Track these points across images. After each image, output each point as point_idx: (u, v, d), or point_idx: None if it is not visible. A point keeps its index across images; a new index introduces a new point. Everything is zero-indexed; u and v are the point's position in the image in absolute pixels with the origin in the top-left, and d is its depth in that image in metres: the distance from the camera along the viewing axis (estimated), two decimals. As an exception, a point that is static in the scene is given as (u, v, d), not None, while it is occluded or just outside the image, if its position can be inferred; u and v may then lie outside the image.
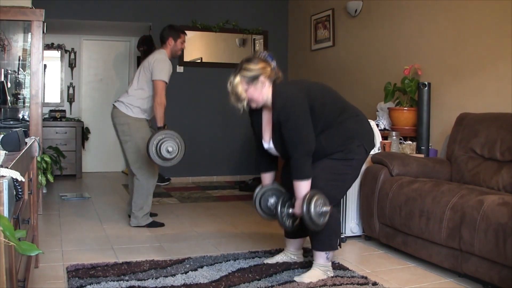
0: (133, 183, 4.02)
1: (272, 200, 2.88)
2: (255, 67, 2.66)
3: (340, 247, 2.97)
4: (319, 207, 2.58)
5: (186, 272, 2.86)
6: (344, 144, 2.75)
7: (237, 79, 2.66)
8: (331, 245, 2.83)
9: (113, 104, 4.05)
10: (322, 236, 2.79)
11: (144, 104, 3.96)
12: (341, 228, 3.34)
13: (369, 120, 3.92)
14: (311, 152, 2.64)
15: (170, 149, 3.59)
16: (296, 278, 2.78)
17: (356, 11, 5.39)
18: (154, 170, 4.03)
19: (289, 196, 2.78)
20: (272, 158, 2.94)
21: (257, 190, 2.96)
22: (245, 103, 2.68)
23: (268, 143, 2.81)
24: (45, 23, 4.30)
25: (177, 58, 6.48)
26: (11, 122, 4.05)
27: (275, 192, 2.90)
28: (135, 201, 3.96)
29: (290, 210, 2.72)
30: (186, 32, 6.45)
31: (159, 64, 3.90)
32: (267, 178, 2.96)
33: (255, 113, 2.87)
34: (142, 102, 3.96)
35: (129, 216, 4.13)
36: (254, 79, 2.65)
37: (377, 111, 4.65)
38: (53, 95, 7.15)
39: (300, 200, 2.63)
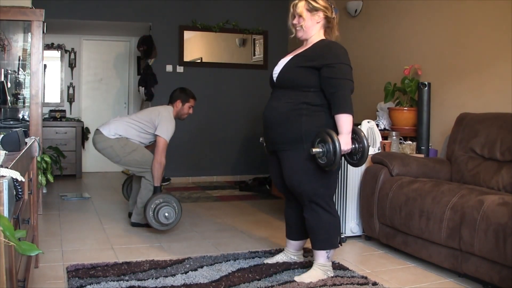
0: (141, 181, 4.01)
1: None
2: (320, 2, 2.80)
3: (341, 245, 2.97)
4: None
5: (186, 272, 2.86)
6: (321, 133, 2.64)
7: (302, 2, 2.81)
8: (331, 243, 2.82)
9: (97, 129, 4.00)
10: (322, 234, 2.79)
11: (127, 135, 3.96)
12: (340, 225, 3.33)
13: (369, 120, 3.97)
14: (352, 92, 2.70)
15: (167, 215, 3.66)
16: (296, 278, 2.78)
17: (356, 11, 5.39)
18: None
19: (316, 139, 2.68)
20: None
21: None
22: (303, 24, 2.80)
23: (284, 59, 2.87)
24: (45, 23, 4.30)
25: (176, 58, 6.52)
26: (11, 122, 4.05)
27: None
28: (141, 197, 3.95)
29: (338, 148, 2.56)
30: (186, 32, 6.57)
31: (167, 122, 3.94)
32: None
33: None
34: (128, 132, 3.96)
35: (129, 216, 4.13)
36: (314, 10, 2.79)
37: (377, 111, 4.65)
38: (53, 95, 7.15)
39: (347, 135, 2.62)
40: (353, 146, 2.65)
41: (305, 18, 2.80)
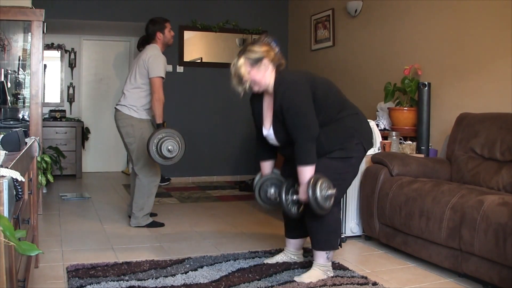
0: (135, 183, 4.01)
1: (271, 190, 2.89)
2: (259, 49, 2.69)
3: (341, 247, 2.97)
4: (324, 191, 2.58)
5: (186, 272, 2.86)
6: (343, 142, 2.75)
7: (241, 60, 2.68)
8: (331, 245, 2.83)
9: (115, 108, 4.05)
10: (322, 235, 2.79)
11: (145, 103, 3.96)
12: (341, 227, 3.33)
13: (369, 120, 3.95)
14: (315, 137, 2.64)
15: (170, 148, 3.58)
16: (296, 278, 2.78)
17: (356, 11, 5.39)
18: (157, 170, 4.03)
19: (291, 183, 2.76)
20: (272, 146, 2.93)
21: (257, 179, 2.97)
22: (247, 86, 2.69)
23: (267, 130, 2.81)
24: (45, 23, 4.30)
25: (176, 58, 6.52)
26: (11, 122, 4.05)
27: (274, 181, 2.91)
28: (136, 201, 3.96)
29: (295, 197, 2.69)
30: (186, 32, 6.57)
31: (155, 60, 3.89)
32: (267, 166, 2.97)
33: (256, 100, 2.88)
34: (142, 101, 3.95)
35: (129, 217, 4.13)
36: (258, 61, 2.67)
37: (377, 111, 4.65)
38: (53, 95, 7.15)
39: (304, 185, 2.61)
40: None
41: (252, 75, 2.67)
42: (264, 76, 2.69)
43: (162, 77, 3.90)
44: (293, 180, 2.75)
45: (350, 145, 2.76)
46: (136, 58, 4.11)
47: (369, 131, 2.91)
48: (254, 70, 2.67)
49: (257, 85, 2.71)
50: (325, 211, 2.65)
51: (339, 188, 2.78)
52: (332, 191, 2.61)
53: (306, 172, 2.63)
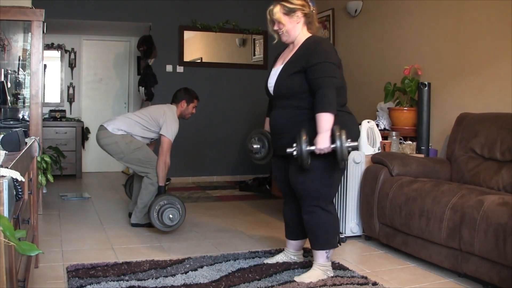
0: (142, 181, 4.00)
1: (255, 146, 3.03)
2: (295, 2, 2.78)
3: (340, 245, 2.97)
4: (348, 142, 2.56)
5: (186, 272, 2.86)
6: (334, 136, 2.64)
7: (277, 7, 2.79)
8: (331, 243, 2.83)
9: (101, 125, 4.00)
10: (322, 234, 2.79)
11: (130, 129, 3.95)
12: (340, 225, 3.33)
13: (369, 120, 3.97)
14: (335, 88, 2.66)
15: (171, 216, 3.67)
16: (296, 278, 2.78)
17: (356, 11, 5.39)
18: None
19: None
20: None
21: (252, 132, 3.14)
22: (284, 29, 2.77)
23: (277, 68, 2.85)
24: (45, 23, 4.30)
25: (176, 58, 6.53)
26: (11, 122, 4.05)
27: (261, 137, 3.03)
28: (142, 198, 3.95)
29: (311, 148, 2.58)
30: (186, 32, 6.57)
31: (171, 122, 3.96)
32: (267, 123, 3.07)
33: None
34: (131, 129, 3.95)
35: (129, 216, 4.13)
36: (291, 11, 2.77)
37: (377, 111, 4.65)
38: (53, 95, 7.15)
39: (324, 134, 2.57)
40: (334, 145, 2.57)
41: (284, 22, 2.78)
42: (294, 27, 2.79)
43: (171, 141, 3.95)
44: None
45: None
46: (156, 105, 4.23)
47: (358, 134, 2.92)
48: (287, 18, 2.78)
49: (285, 35, 2.81)
50: (345, 162, 2.70)
51: (328, 186, 2.77)
52: (355, 143, 2.61)
53: (327, 120, 2.59)
